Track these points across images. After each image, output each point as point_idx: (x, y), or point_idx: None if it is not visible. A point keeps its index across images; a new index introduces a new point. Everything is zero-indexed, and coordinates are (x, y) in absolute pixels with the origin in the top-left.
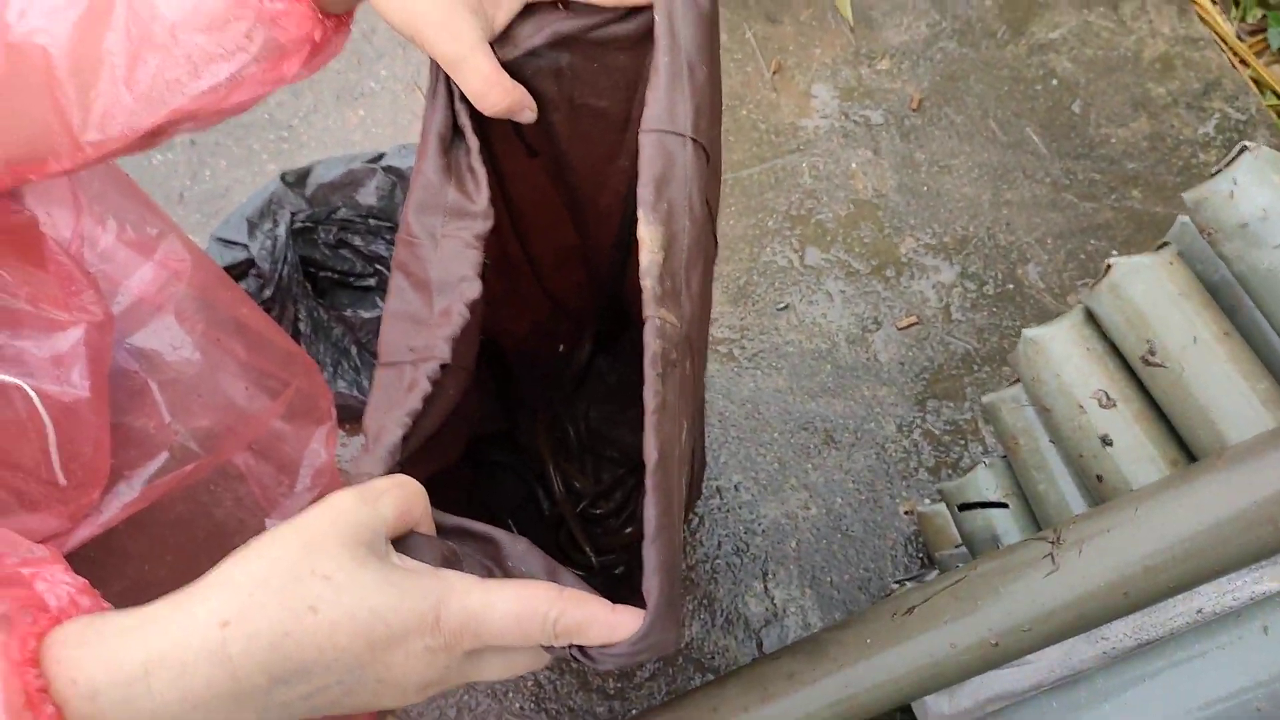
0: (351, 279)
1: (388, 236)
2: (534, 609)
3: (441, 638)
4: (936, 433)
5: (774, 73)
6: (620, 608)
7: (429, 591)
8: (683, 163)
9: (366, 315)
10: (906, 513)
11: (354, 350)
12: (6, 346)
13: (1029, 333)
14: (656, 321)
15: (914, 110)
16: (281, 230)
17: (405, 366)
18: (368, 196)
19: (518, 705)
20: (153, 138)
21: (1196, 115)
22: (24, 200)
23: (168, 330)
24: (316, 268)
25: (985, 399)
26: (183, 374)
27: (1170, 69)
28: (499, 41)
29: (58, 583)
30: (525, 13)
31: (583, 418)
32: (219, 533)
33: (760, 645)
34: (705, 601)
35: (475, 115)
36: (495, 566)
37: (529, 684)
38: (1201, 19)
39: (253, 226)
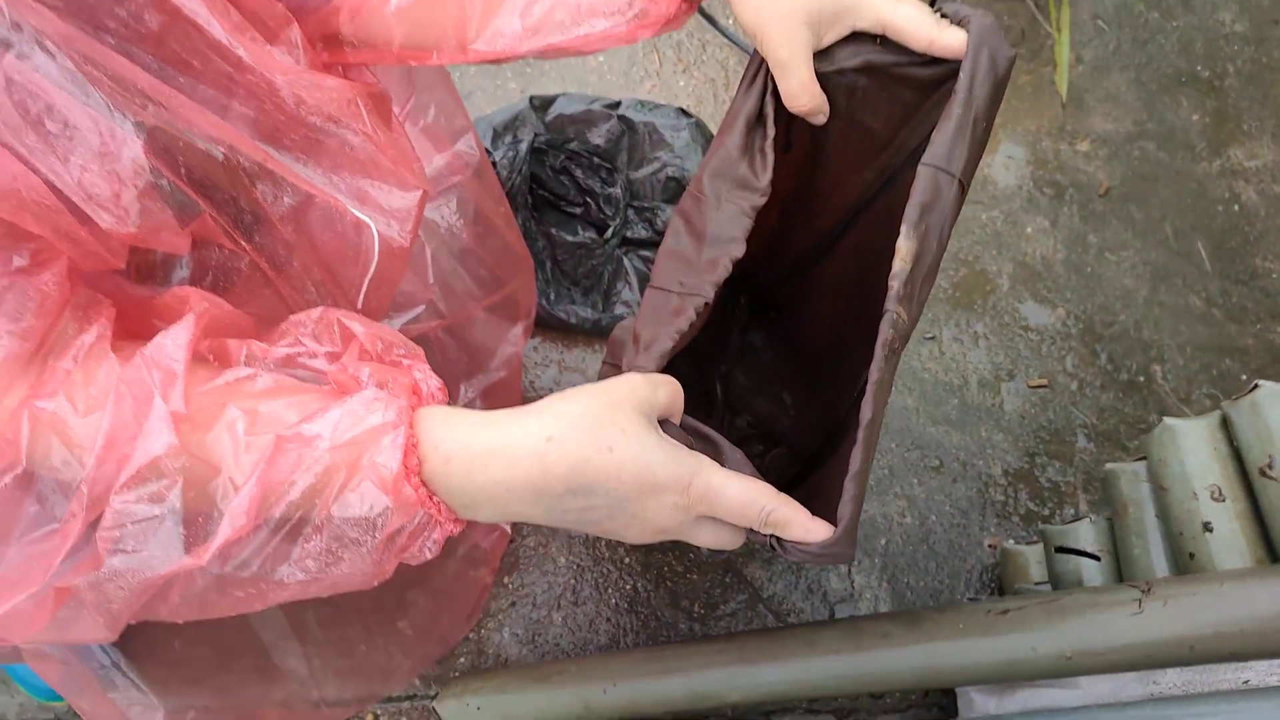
0: (563, 203)
1: (603, 175)
2: (756, 498)
3: (687, 499)
4: (1037, 486)
5: None
6: (816, 518)
7: (687, 462)
8: (946, 198)
9: (569, 239)
10: (990, 545)
11: (549, 264)
12: (365, 191)
13: (1170, 421)
14: (894, 315)
15: (1100, 195)
16: (524, 146)
17: (673, 295)
18: (597, 137)
19: (614, 601)
20: (514, 59)
21: None
22: (374, 73)
23: (449, 208)
24: (538, 185)
25: (1108, 466)
26: (449, 248)
27: None
28: (819, 56)
29: (428, 375)
30: (848, 38)
31: (728, 380)
32: None
33: (832, 614)
34: (796, 565)
35: (778, 109)
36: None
37: (627, 588)
38: None
39: (497, 135)
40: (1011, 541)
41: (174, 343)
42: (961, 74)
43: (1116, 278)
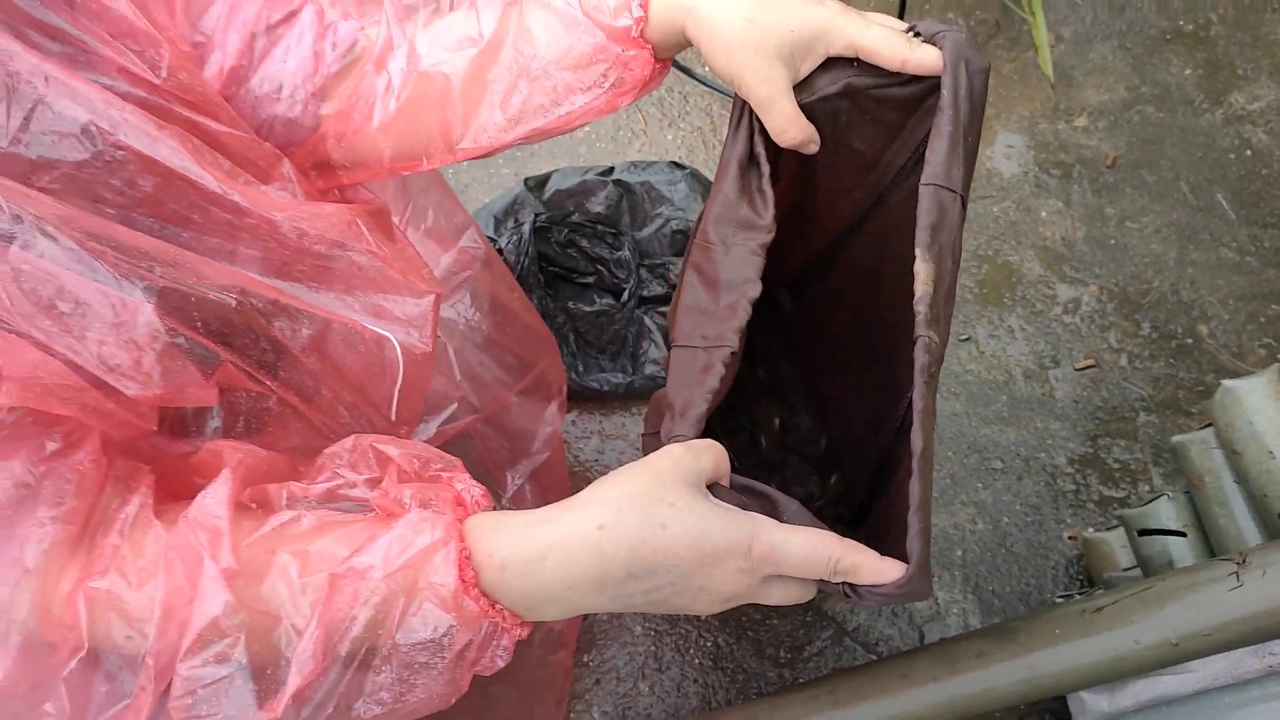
0: (575, 275)
1: (610, 241)
2: (822, 550)
3: (750, 562)
4: (1106, 469)
5: None
6: (886, 558)
7: (744, 525)
8: (953, 214)
9: (587, 309)
10: (1070, 537)
11: (572, 337)
12: (380, 306)
13: (1228, 383)
14: (926, 340)
15: (1108, 167)
16: (526, 228)
17: (699, 351)
18: (596, 205)
19: (697, 661)
20: (503, 149)
21: None
22: (370, 189)
23: (464, 304)
24: (546, 262)
25: (1175, 439)
26: (471, 342)
27: None
28: (799, 87)
29: (470, 485)
30: (824, 65)
31: (766, 415)
32: None
33: (922, 638)
34: None
35: (768, 145)
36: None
37: (708, 645)
38: None
39: (499, 223)
40: (1091, 530)
41: (215, 500)
42: (944, 91)
43: (1142, 244)
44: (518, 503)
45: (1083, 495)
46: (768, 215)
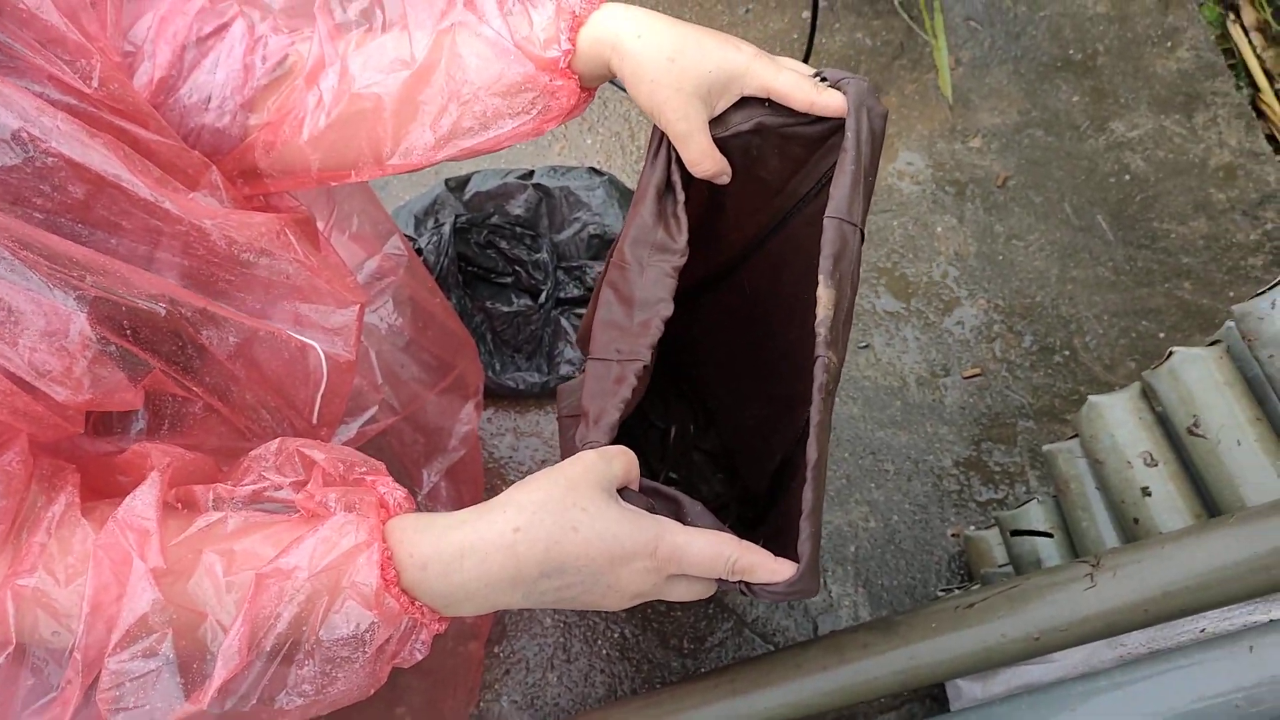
0: (493, 276)
1: (528, 243)
2: (720, 551)
3: (655, 562)
4: (987, 471)
5: None
6: (779, 559)
7: (650, 528)
8: (853, 246)
9: (504, 309)
10: (953, 535)
11: (489, 336)
12: (305, 315)
13: (1093, 399)
14: (825, 360)
15: (999, 187)
16: (446, 229)
17: (613, 364)
18: (516, 207)
19: (604, 651)
20: (430, 166)
21: (1251, 222)
22: (296, 197)
23: (386, 309)
24: (466, 262)
25: (1046, 448)
26: (393, 345)
27: (1232, 177)
28: (715, 122)
29: (392, 488)
30: (739, 104)
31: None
32: None
33: (816, 629)
34: None
35: (683, 174)
36: (677, 520)
37: (615, 636)
38: (1267, 136)
39: (419, 222)
40: (973, 528)
41: (143, 502)
42: (847, 133)
43: (1028, 261)
44: (434, 498)
45: (965, 495)
46: (681, 240)
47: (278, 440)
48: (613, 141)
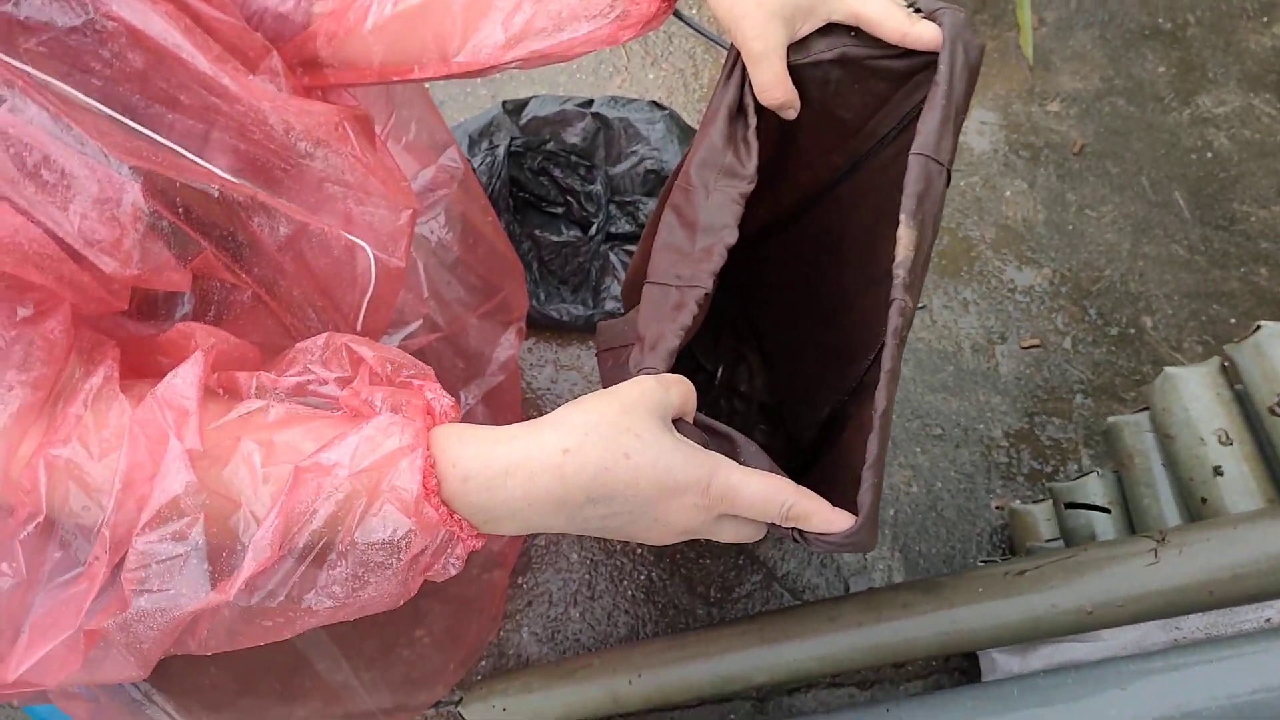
0: (544, 204)
1: (582, 173)
2: (776, 494)
3: (707, 499)
4: (1039, 445)
5: None
6: (836, 509)
7: (705, 462)
8: (938, 185)
9: (553, 238)
10: (998, 507)
11: (535, 265)
12: (358, 215)
13: (1170, 370)
14: (902, 303)
15: (1075, 154)
16: (501, 151)
17: (671, 289)
18: (573, 136)
19: (630, 592)
20: (497, 69)
21: None
22: (355, 96)
23: (438, 222)
24: (517, 188)
25: (1110, 419)
26: (440, 260)
27: None
28: (795, 47)
29: (440, 395)
30: (822, 30)
31: (719, 360)
32: None
33: (847, 588)
34: None
35: (756, 99)
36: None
37: (641, 578)
38: None
39: (473, 143)
40: (1018, 502)
41: (185, 381)
42: (940, 66)
43: (1098, 233)
44: (469, 421)
45: (1014, 468)
46: (750, 165)
47: (325, 334)
48: (675, 78)
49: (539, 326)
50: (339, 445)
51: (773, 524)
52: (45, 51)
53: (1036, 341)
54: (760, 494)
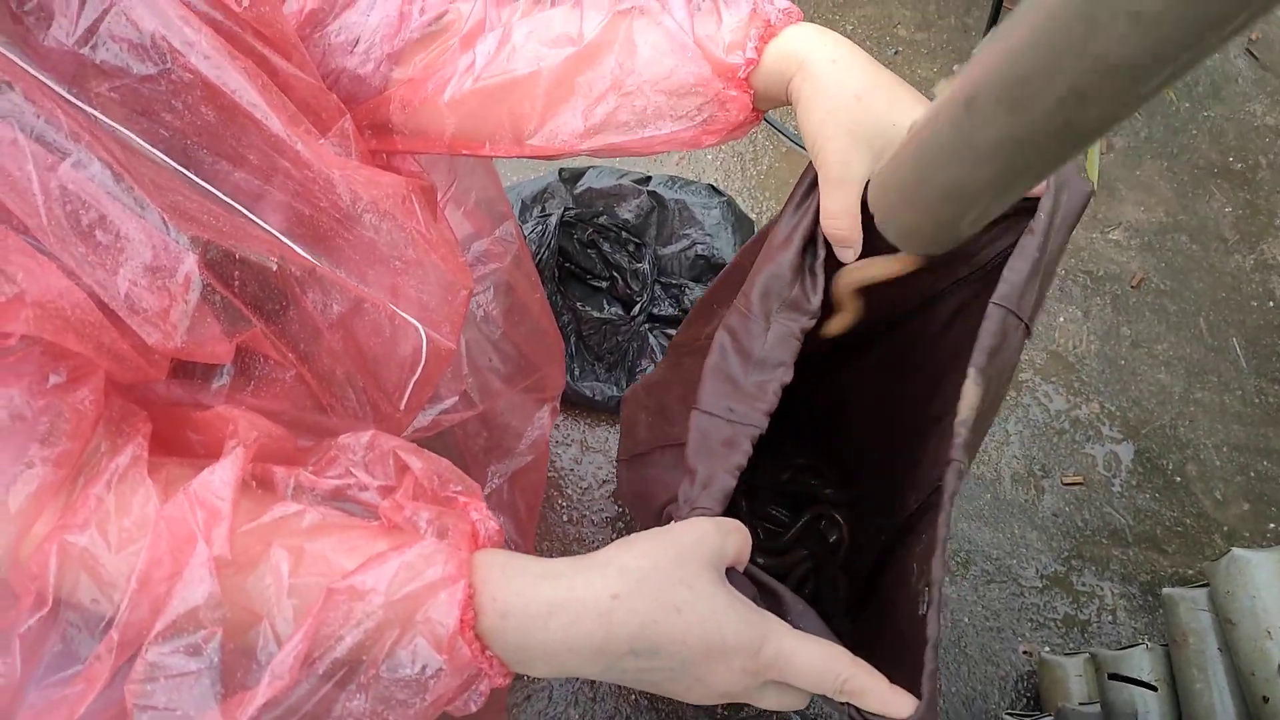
0: (589, 277)
1: (631, 250)
2: (831, 665)
3: (756, 664)
4: (1073, 592)
5: None
6: (895, 688)
7: (758, 624)
8: (1014, 341)
9: (595, 314)
10: (1025, 652)
11: (573, 339)
12: (413, 291)
13: (1238, 552)
14: (960, 465)
15: (1133, 287)
16: (553, 220)
17: (722, 422)
18: (626, 211)
19: (633, 697)
20: (570, 155)
21: None
22: (419, 162)
23: (486, 296)
24: (564, 258)
25: (1165, 591)
26: (486, 334)
27: None
28: None
29: (486, 518)
30: None
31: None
32: None
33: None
34: None
35: None
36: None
37: None
38: None
39: (525, 207)
40: (1048, 650)
41: (221, 480)
42: (1040, 214)
43: (1151, 372)
44: (494, 502)
45: (1046, 613)
46: (816, 300)
47: (370, 433)
48: (734, 161)
49: (569, 403)
50: (378, 569)
51: (824, 697)
52: (116, 98)
53: (1079, 479)
54: (814, 664)
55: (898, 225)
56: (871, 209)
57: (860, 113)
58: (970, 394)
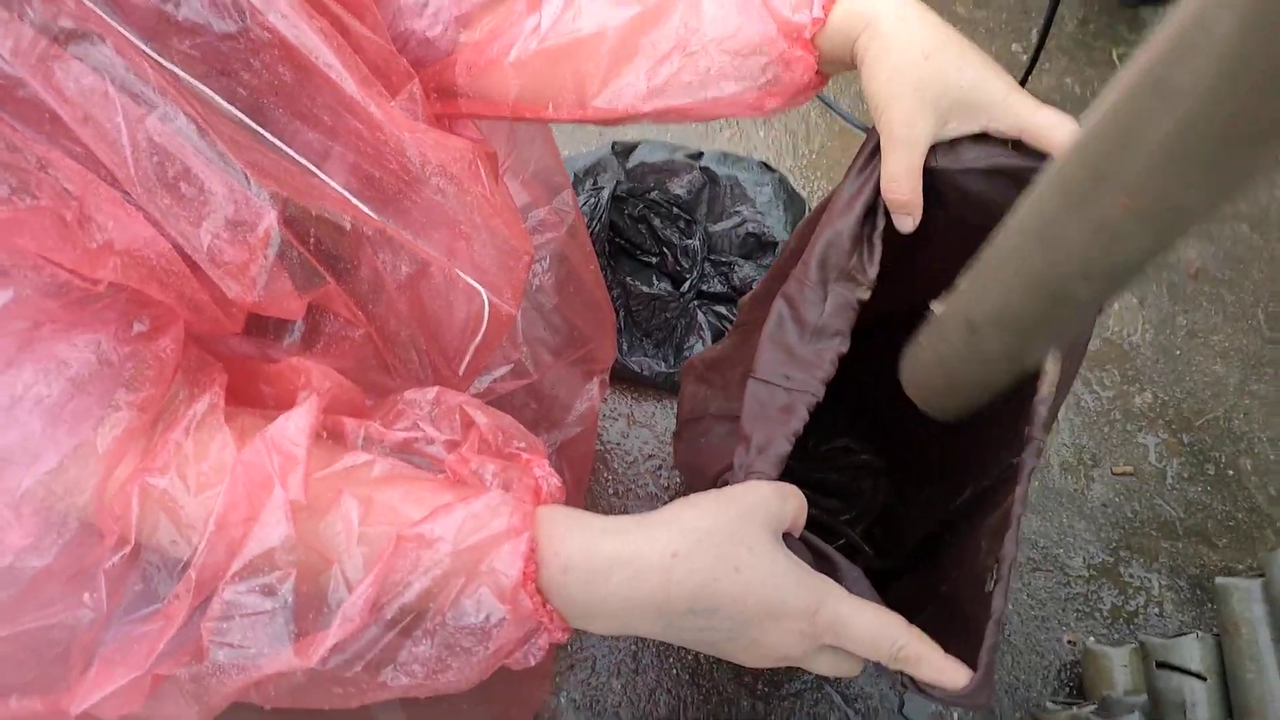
0: (639, 252)
1: (682, 226)
2: (887, 632)
3: (813, 627)
4: (1121, 582)
5: None
6: (950, 658)
7: (816, 587)
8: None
9: (644, 289)
10: (1069, 642)
11: (621, 314)
12: (477, 256)
13: None
14: (1039, 444)
15: (1190, 276)
16: (605, 194)
17: (779, 390)
18: (677, 187)
19: (675, 671)
20: (633, 119)
21: None
22: (480, 129)
23: (541, 266)
24: (614, 233)
25: (1218, 580)
26: (540, 304)
27: None
28: (945, 150)
29: (548, 473)
30: (977, 138)
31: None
32: None
33: (902, 704)
34: None
35: None
36: None
37: (689, 658)
38: None
39: (578, 180)
40: (1093, 640)
41: (297, 427)
42: None
43: (1206, 363)
44: None
45: (1092, 602)
46: (872, 271)
47: (435, 389)
48: (786, 139)
49: (617, 378)
50: (445, 518)
51: (877, 664)
52: (197, 55)
53: (1130, 469)
54: (871, 629)
55: (929, 406)
56: (905, 389)
57: (928, 71)
58: (1050, 372)
